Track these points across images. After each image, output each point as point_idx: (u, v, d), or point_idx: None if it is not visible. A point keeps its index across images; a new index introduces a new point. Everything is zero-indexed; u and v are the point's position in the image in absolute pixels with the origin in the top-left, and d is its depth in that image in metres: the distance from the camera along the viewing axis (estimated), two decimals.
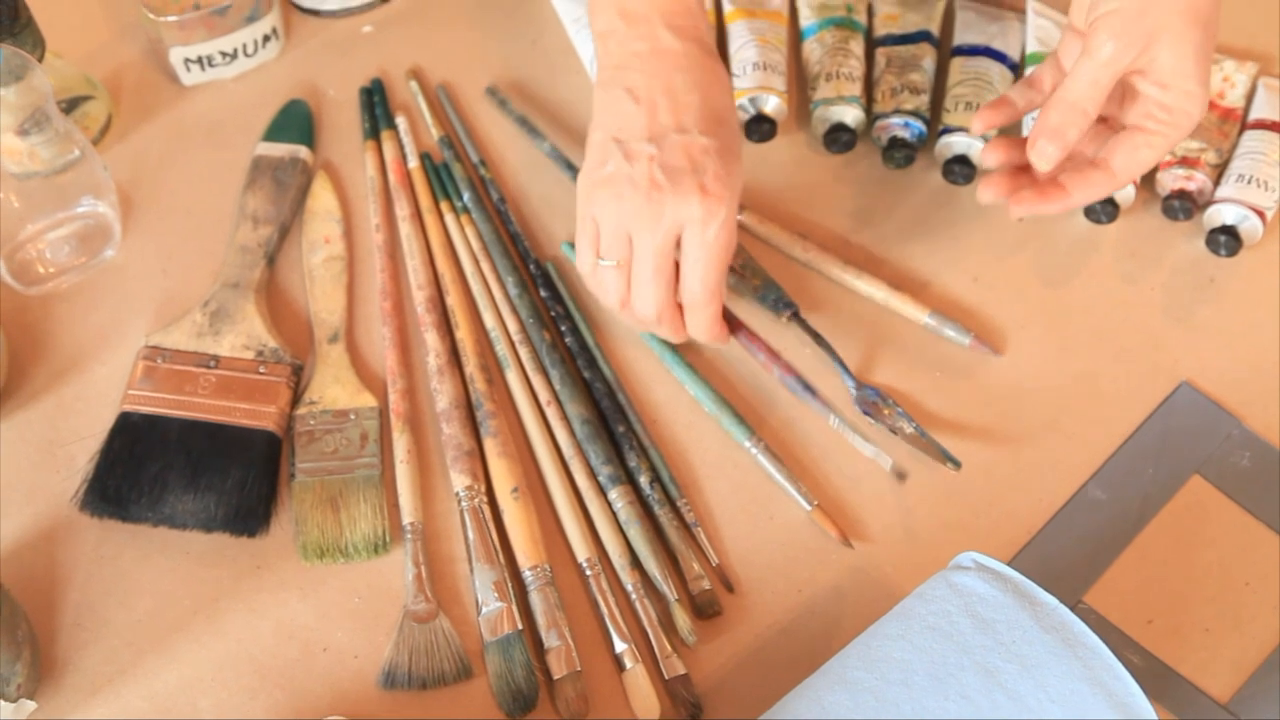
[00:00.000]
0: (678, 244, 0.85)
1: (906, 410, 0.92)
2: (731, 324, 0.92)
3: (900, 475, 0.90)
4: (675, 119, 0.85)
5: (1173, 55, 0.82)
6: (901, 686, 0.74)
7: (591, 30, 0.90)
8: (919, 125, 1.01)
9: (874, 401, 0.92)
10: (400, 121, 1.05)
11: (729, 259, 0.86)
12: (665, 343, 0.94)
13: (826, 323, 0.96)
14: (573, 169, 1.01)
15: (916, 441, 0.91)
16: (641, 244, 0.85)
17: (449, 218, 1.01)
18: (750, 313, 0.96)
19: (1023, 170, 0.90)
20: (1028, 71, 1.02)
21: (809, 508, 0.89)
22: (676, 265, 0.86)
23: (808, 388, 0.91)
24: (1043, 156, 0.85)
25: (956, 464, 0.90)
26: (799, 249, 0.98)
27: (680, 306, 0.88)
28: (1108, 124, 0.89)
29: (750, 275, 0.96)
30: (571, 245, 0.99)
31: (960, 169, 1.00)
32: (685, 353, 0.95)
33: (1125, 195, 0.98)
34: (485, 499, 0.89)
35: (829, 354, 0.93)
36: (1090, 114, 0.84)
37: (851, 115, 1.01)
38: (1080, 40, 0.87)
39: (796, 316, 0.94)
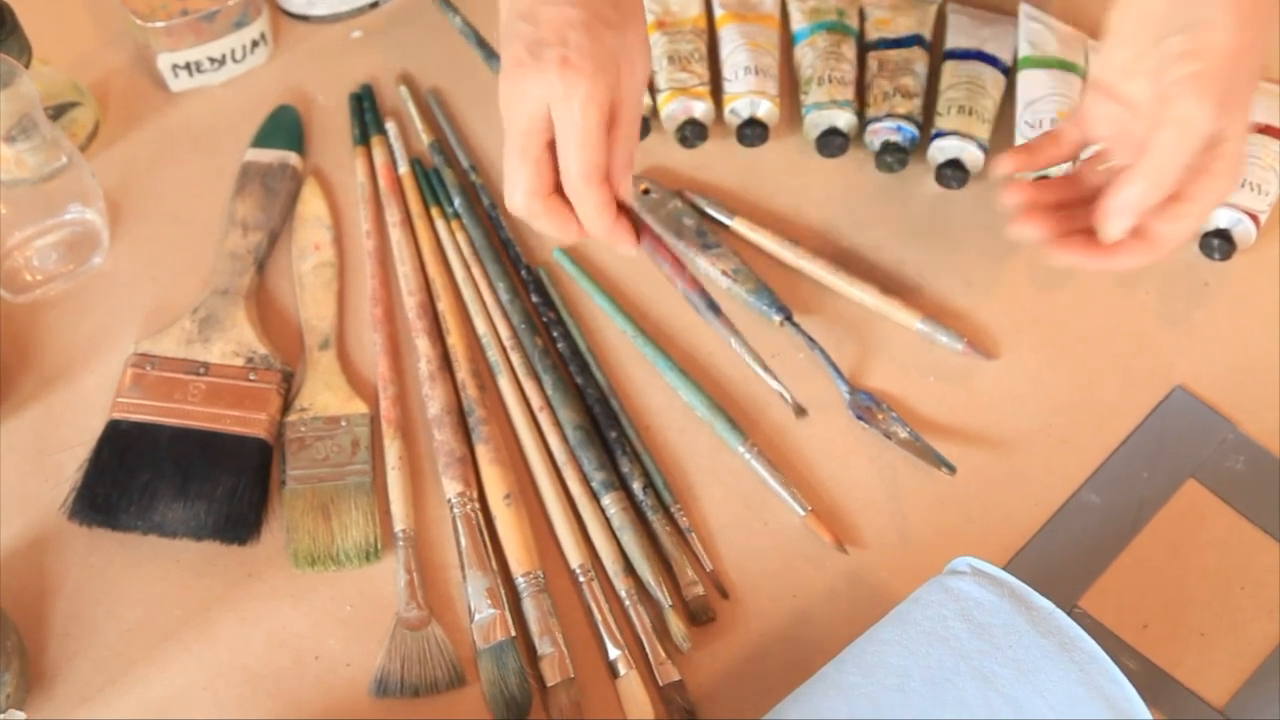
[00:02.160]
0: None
1: (900, 415, 0.92)
2: (638, 229, 0.84)
3: (799, 411, 0.89)
4: None
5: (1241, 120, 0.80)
6: (897, 692, 0.74)
7: None
8: (911, 129, 1.00)
9: (868, 406, 0.92)
10: (390, 127, 1.04)
11: (599, 140, 0.79)
12: (658, 348, 0.94)
13: (819, 328, 0.96)
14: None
15: (911, 446, 0.90)
16: (508, 126, 0.80)
17: (440, 223, 1.00)
18: (743, 316, 0.95)
19: (1051, 208, 0.87)
20: (1019, 76, 1.02)
21: (803, 513, 0.89)
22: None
23: (712, 306, 0.87)
24: (1116, 229, 0.81)
25: (951, 468, 0.90)
26: (791, 254, 0.98)
27: (563, 199, 0.81)
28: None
29: (743, 280, 0.96)
30: (563, 251, 0.99)
31: (953, 173, 0.99)
32: (678, 358, 0.94)
33: None
34: (477, 505, 0.88)
35: (823, 358, 0.93)
36: (1170, 186, 0.80)
37: (844, 119, 1.01)
38: (1108, 100, 0.85)
39: (790, 320, 0.94)
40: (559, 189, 0.81)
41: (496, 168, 1.03)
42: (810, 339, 0.94)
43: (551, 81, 0.77)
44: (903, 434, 0.91)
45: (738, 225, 0.99)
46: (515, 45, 0.79)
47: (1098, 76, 0.86)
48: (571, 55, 0.77)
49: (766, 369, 0.90)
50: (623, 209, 0.82)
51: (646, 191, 1.00)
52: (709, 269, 0.97)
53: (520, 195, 0.80)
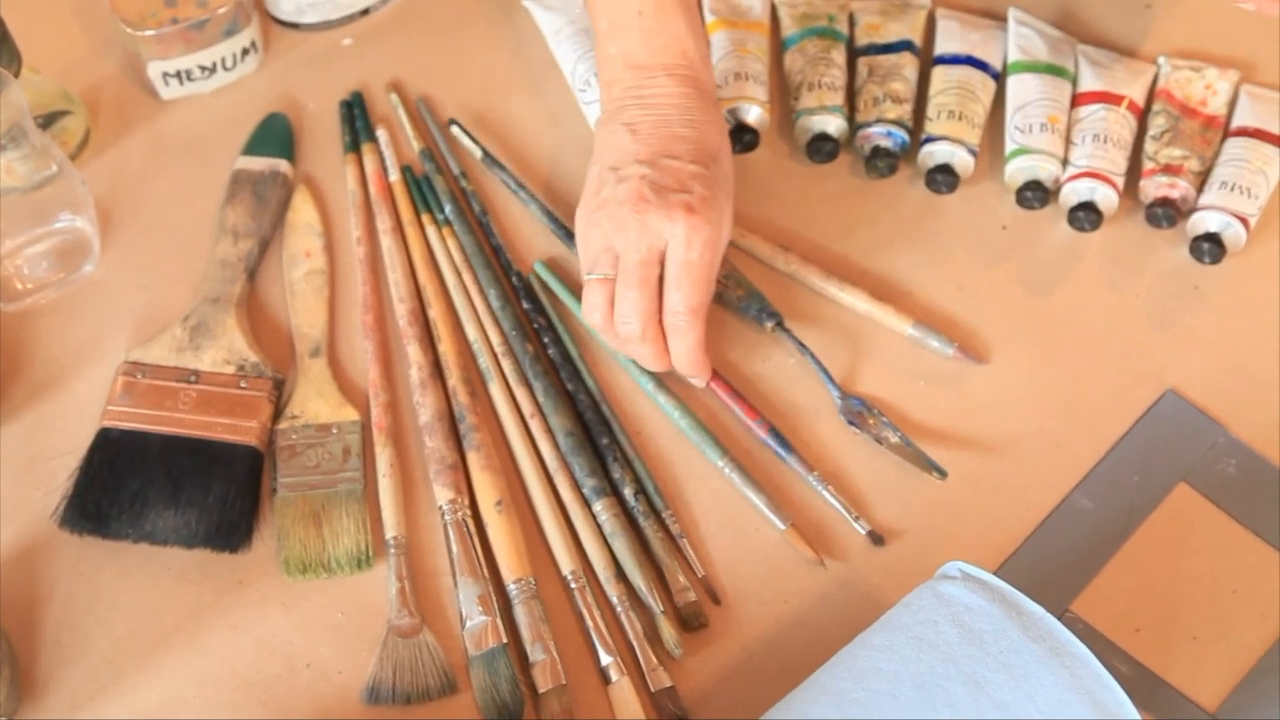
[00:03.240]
0: (663, 264, 0.86)
1: (892, 420, 0.92)
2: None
3: (876, 539, 0.89)
4: (668, 148, 0.88)
5: None
6: (888, 697, 0.74)
7: (598, 80, 0.94)
8: (901, 134, 1.01)
9: (859, 411, 0.92)
10: (381, 134, 1.04)
11: (712, 283, 0.87)
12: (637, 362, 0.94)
13: (810, 333, 0.96)
14: (535, 199, 1.01)
15: (902, 451, 0.90)
16: (625, 255, 0.86)
17: (430, 230, 1.00)
18: (734, 324, 0.96)
19: None
20: (1009, 80, 1.02)
21: (783, 528, 0.89)
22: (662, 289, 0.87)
23: (784, 443, 0.91)
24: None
25: (942, 473, 0.90)
26: (781, 260, 0.98)
27: (662, 330, 0.89)
28: None
29: (734, 285, 0.96)
30: (545, 264, 0.98)
31: (943, 178, 0.99)
32: (659, 372, 0.94)
33: (1109, 203, 0.98)
34: (469, 512, 0.88)
35: (814, 363, 0.93)
36: None
37: (834, 125, 1.01)
38: None
39: (781, 326, 0.94)
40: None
41: (486, 175, 1.03)
42: (801, 344, 0.94)
43: (677, 222, 0.85)
44: (894, 439, 0.91)
45: None
46: (635, 184, 0.86)
47: None
48: (695, 203, 0.86)
49: (842, 503, 0.90)
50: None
51: None
52: None
53: (638, 320, 0.88)
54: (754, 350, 0.95)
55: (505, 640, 0.84)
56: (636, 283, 0.86)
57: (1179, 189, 0.98)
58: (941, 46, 1.05)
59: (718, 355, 0.95)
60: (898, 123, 1.01)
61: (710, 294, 0.89)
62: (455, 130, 1.04)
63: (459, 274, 0.98)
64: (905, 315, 0.95)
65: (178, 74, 1.04)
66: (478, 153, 1.03)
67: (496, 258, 0.99)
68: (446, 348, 0.94)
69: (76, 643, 0.85)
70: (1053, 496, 0.90)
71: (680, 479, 0.91)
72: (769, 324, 0.94)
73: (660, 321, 0.88)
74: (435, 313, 0.96)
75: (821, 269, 0.97)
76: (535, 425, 0.92)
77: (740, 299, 0.96)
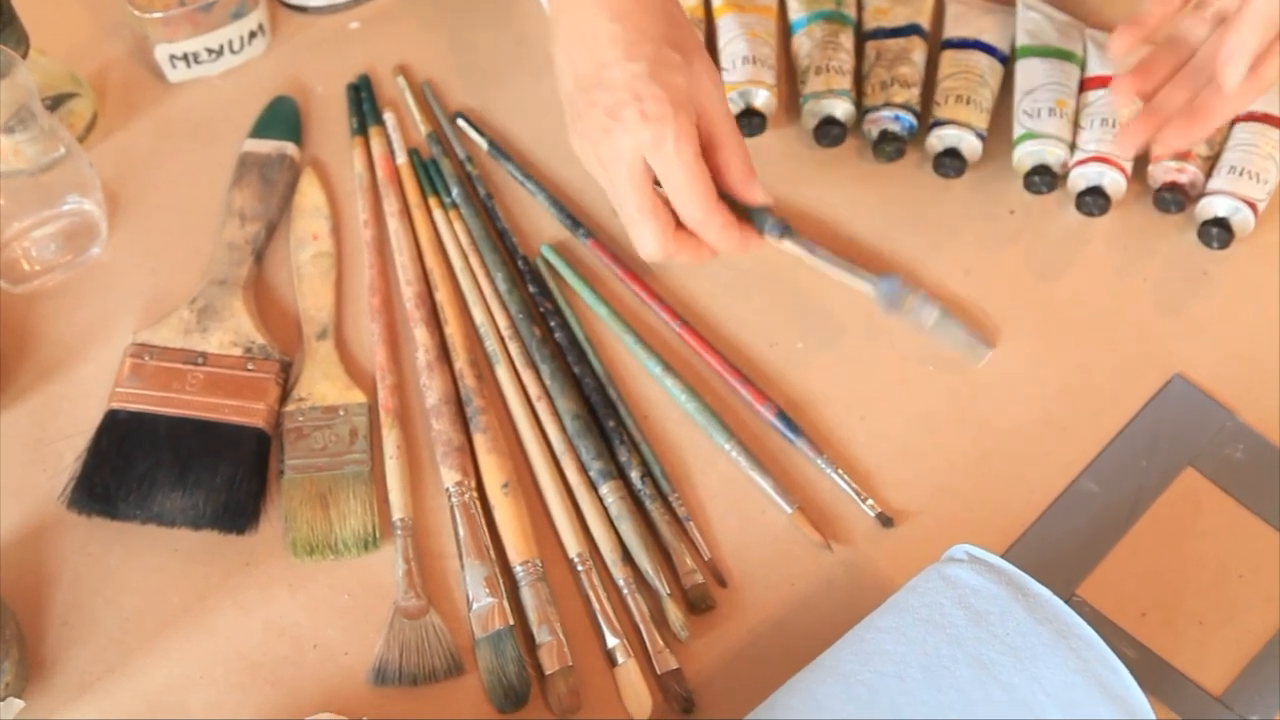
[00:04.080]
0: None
1: (928, 294, 0.91)
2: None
3: (886, 521, 0.89)
4: (604, 56, 0.85)
5: None
6: (895, 679, 0.74)
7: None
8: (909, 118, 1.00)
9: (896, 295, 0.90)
10: (388, 117, 1.04)
11: (701, 171, 0.84)
12: (646, 345, 0.94)
13: (816, 315, 0.96)
14: (542, 189, 1.01)
15: (945, 328, 0.90)
16: (615, 189, 0.85)
17: (437, 213, 1.00)
18: (703, 299, 0.97)
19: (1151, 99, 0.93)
20: (1018, 65, 1.02)
21: (789, 511, 0.89)
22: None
23: (792, 426, 0.91)
24: (1234, 75, 0.86)
25: (986, 351, 0.89)
26: (789, 242, 0.97)
27: (688, 231, 0.87)
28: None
29: (732, 205, 0.90)
30: (551, 248, 0.98)
31: (951, 162, 0.99)
32: (666, 354, 0.94)
33: (1117, 188, 0.98)
34: (475, 494, 0.88)
35: (832, 263, 0.91)
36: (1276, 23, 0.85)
37: (841, 109, 1.01)
38: None
39: (789, 233, 0.90)
40: (680, 223, 0.86)
41: (493, 160, 1.03)
42: (811, 246, 0.90)
43: (639, 135, 0.82)
44: (932, 318, 0.90)
45: None
46: (595, 114, 0.84)
47: None
48: (648, 107, 0.82)
49: (851, 486, 0.90)
50: (742, 218, 0.87)
51: None
52: None
53: (653, 244, 0.85)
54: (760, 333, 0.95)
55: (512, 622, 0.84)
56: (636, 211, 0.85)
57: (1187, 174, 0.98)
58: (950, 30, 1.05)
59: (721, 336, 0.95)
60: (905, 107, 1.00)
61: (735, 167, 0.86)
62: (462, 123, 1.04)
63: (466, 257, 0.98)
64: None
65: (185, 57, 1.04)
66: (484, 144, 1.03)
67: (503, 241, 0.99)
68: (453, 330, 0.94)
69: (84, 623, 0.85)
70: (1059, 480, 0.90)
71: (687, 462, 0.91)
72: (774, 234, 0.89)
73: (682, 228, 0.86)
74: (442, 295, 0.96)
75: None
76: (542, 408, 0.92)
77: (745, 209, 0.90)
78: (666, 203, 0.85)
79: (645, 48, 0.84)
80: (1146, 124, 0.93)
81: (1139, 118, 0.93)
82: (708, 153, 0.85)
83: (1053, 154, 0.98)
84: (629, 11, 0.86)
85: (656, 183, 0.85)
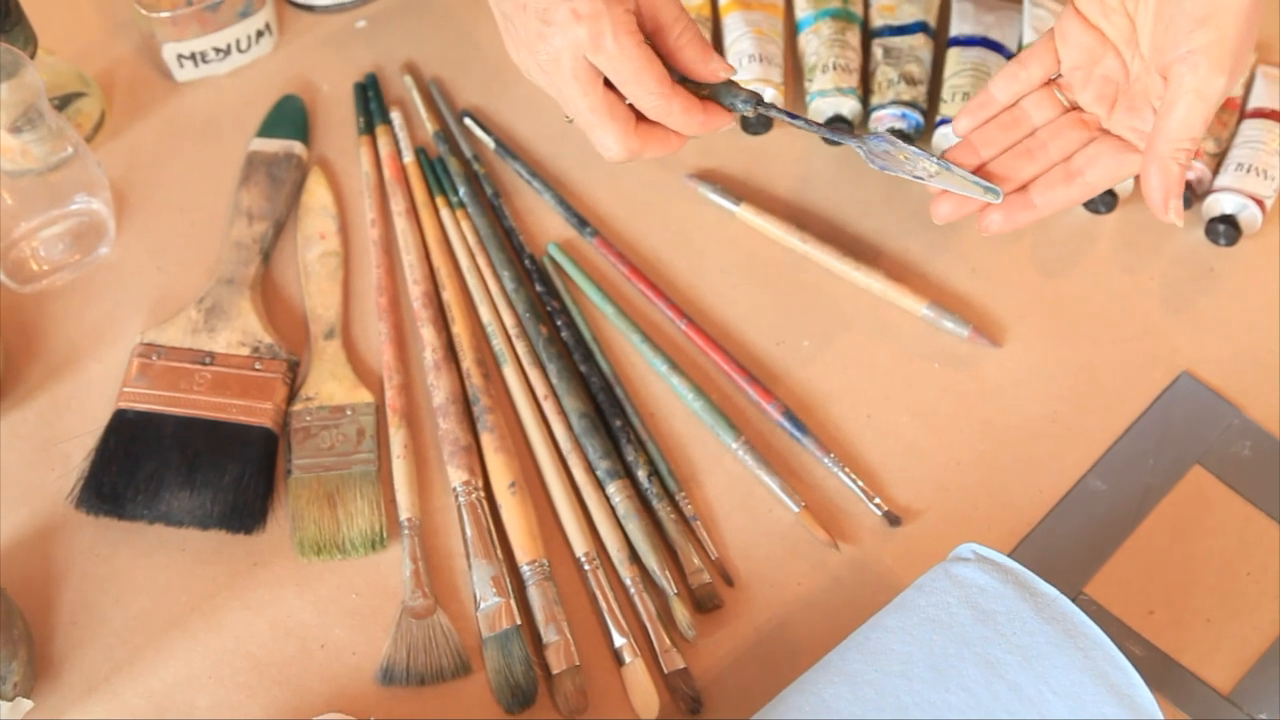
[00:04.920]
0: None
1: (921, 148, 0.85)
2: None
3: (893, 520, 0.89)
4: None
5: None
6: (901, 679, 0.74)
7: None
8: (916, 116, 1.00)
9: (885, 150, 0.85)
10: (395, 116, 1.04)
11: (647, 57, 0.80)
12: (652, 343, 0.94)
13: (824, 313, 0.96)
14: (549, 188, 1.01)
15: (946, 178, 0.84)
16: (563, 93, 0.82)
17: (444, 213, 1.00)
18: (709, 296, 0.97)
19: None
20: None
21: (796, 510, 0.89)
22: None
23: (799, 425, 0.92)
24: (1178, 215, 0.81)
25: (996, 192, 0.83)
26: (797, 240, 0.97)
27: (651, 123, 0.83)
28: (1080, 119, 0.85)
29: (699, 86, 0.86)
30: (558, 246, 0.99)
31: None
32: (672, 352, 0.94)
33: (1124, 186, 0.98)
34: (483, 494, 0.88)
35: (811, 126, 0.87)
36: (1193, 150, 0.79)
37: (848, 107, 1.01)
38: (1083, 29, 0.84)
39: (762, 104, 0.86)
40: (642, 116, 0.82)
41: (500, 159, 1.03)
42: (790, 114, 0.87)
43: (575, 33, 0.78)
44: (933, 169, 0.84)
45: (743, 212, 0.99)
46: (527, 19, 0.80)
47: (1078, 4, 0.84)
48: (579, 4, 0.78)
49: (857, 484, 0.90)
50: (707, 98, 0.83)
51: None
52: None
53: (615, 144, 0.82)
54: (767, 332, 0.95)
55: (519, 622, 0.84)
56: (588, 111, 0.81)
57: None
58: (956, 28, 1.05)
59: (728, 334, 0.95)
60: (912, 104, 1.00)
61: (687, 50, 0.82)
62: (469, 122, 1.04)
63: (473, 256, 0.98)
64: (919, 296, 0.95)
65: (192, 56, 1.04)
66: (491, 144, 1.03)
67: (510, 240, 0.99)
68: (460, 330, 0.94)
69: (92, 623, 0.86)
70: (1067, 479, 0.90)
71: (694, 461, 0.91)
72: (747, 107, 0.86)
73: (643, 120, 0.83)
74: (449, 295, 0.96)
75: (837, 249, 0.97)
76: (549, 407, 0.92)
77: (711, 91, 0.86)
78: (621, 98, 0.82)
79: None
80: (964, 203, 0.84)
81: (959, 196, 0.85)
82: (656, 39, 0.82)
83: None
84: None
85: (607, 82, 0.81)
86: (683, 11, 0.82)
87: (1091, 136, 0.84)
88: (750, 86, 1.00)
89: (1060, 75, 0.85)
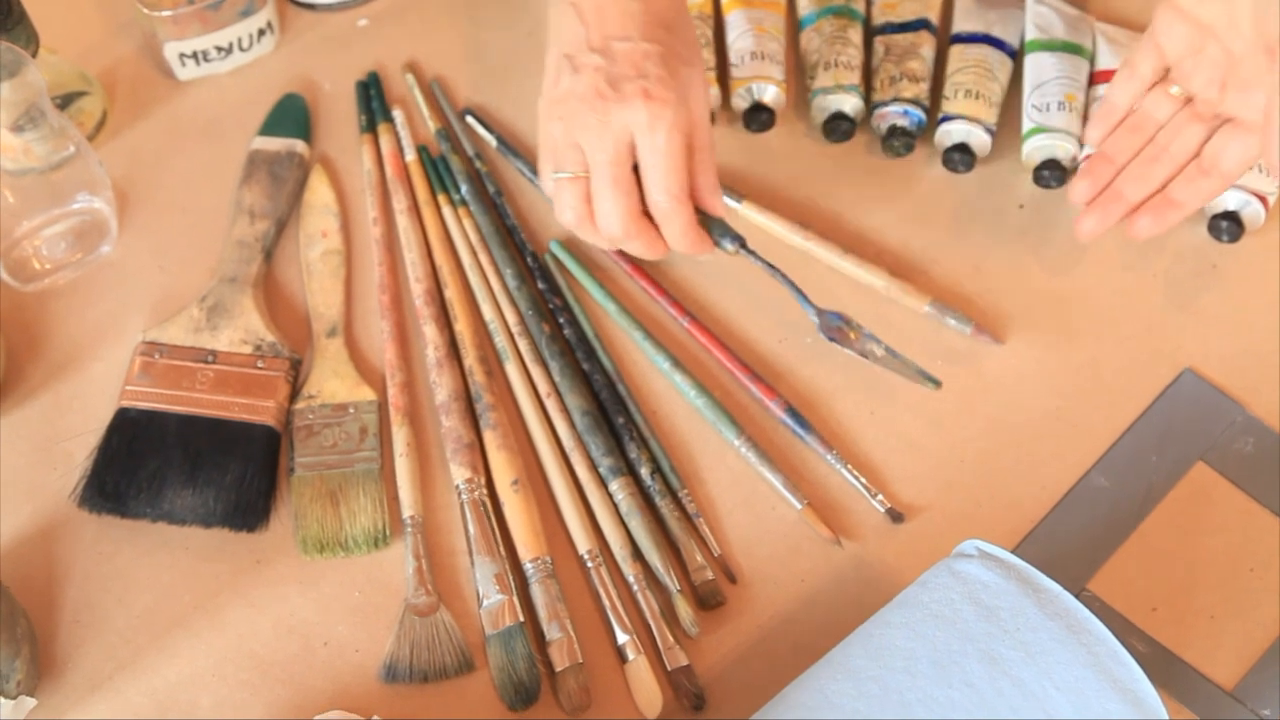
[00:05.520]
0: (634, 155, 0.85)
1: (873, 331, 0.92)
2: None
3: (896, 517, 0.89)
4: (619, 28, 0.85)
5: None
6: (905, 675, 0.74)
7: None
8: (918, 113, 1.00)
9: (838, 327, 0.91)
10: (397, 115, 1.04)
11: (684, 164, 0.84)
12: (655, 341, 0.94)
13: (826, 282, 0.96)
14: None
15: (890, 363, 0.90)
16: (595, 156, 0.84)
17: (446, 211, 1.00)
18: (712, 293, 0.97)
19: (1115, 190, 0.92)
20: (1027, 59, 1.02)
21: (799, 507, 0.89)
22: (639, 178, 0.85)
23: (802, 423, 0.92)
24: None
25: (936, 382, 0.90)
26: (800, 237, 0.97)
27: (650, 220, 0.87)
28: (1196, 114, 0.90)
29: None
30: (560, 244, 0.99)
31: (960, 157, 0.99)
32: (675, 350, 0.94)
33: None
34: (485, 491, 0.88)
35: (785, 282, 0.91)
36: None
37: (850, 104, 1.01)
38: (1180, 20, 0.87)
39: (745, 248, 0.91)
40: (646, 211, 0.86)
41: (501, 157, 1.03)
42: (769, 265, 0.91)
43: (637, 112, 0.82)
44: (879, 351, 0.91)
45: (746, 209, 0.99)
46: (590, 76, 0.83)
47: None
48: (653, 88, 0.82)
49: (859, 480, 0.90)
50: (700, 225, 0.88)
51: None
52: None
53: (619, 220, 0.85)
54: (770, 329, 0.95)
55: (522, 619, 0.84)
56: (610, 183, 0.84)
57: None
58: (959, 25, 1.05)
59: (730, 332, 0.95)
60: (914, 101, 1.00)
61: (705, 173, 0.86)
62: (471, 120, 1.04)
63: (475, 254, 0.98)
64: (923, 294, 0.95)
65: (194, 55, 1.04)
66: (493, 141, 1.03)
67: (512, 238, 0.99)
68: (463, 327, 0.94)
69: (95, 621, 0.85)
70: (1070, 475, 0.90)
71: (696, 458, 0.91)
72: (731, 246, 0.90)
73: (645, 215, 0.86)
74: (451, 293, 0.96)
75: (839, 246, 0.97)
76: (551, 404, 0.92)
77: (703, 220, 0.91)
78: (638, 186, 0.85)
79: (660, 33, 0.85)
80: (1108, 211, 0.92)
81: (1102, 204, 0.92)
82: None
83: (1062, 148, 0.98)
84: None
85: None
86: (712, 142, 0.86)
87: (1212, 127, 0.88)
88: (751, 84, 1.00)
89: (1169, 71, 0.89)
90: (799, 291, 0.91)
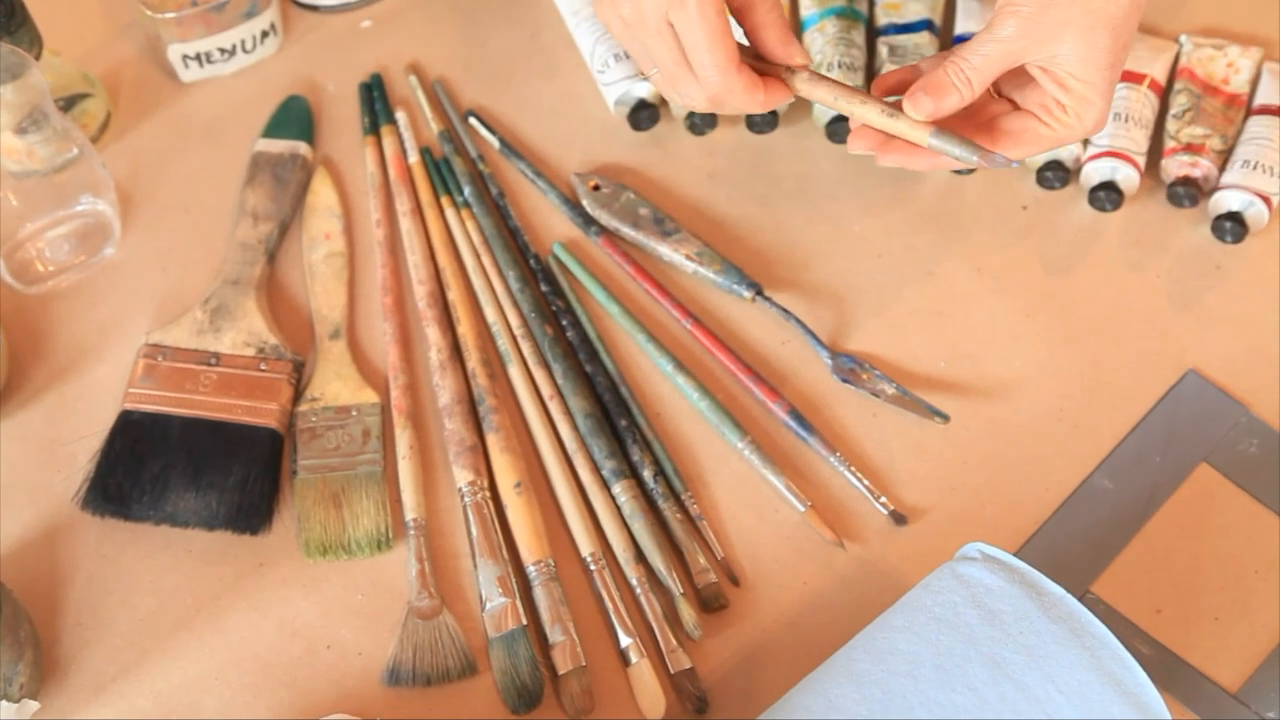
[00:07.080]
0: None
1: (885, 372, 0.93)
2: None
3: (899, 519, 0.89)
4: None
5: (1076, 57, 0.78)
6: (908, 678, 0.74)
7: None
8: None
9: (851, 369, 0.92)
10: (400, 116, 1.04)
11: (726, 29, 0.80)
12: (658, 343, 0.94)
13: (830, 306, 0.95)
14: (554, 188, 1.01)
15: (901, 401, 0.91)
16: (651, 48, 0.82)
17: (449, 212, 1.00)
18: (714, 296, 0.97)
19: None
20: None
21: (802, 509, 0.89)
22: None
23: (805, 425, 0.91)
24: (918, 108, 0.80)
25: (944, 417, 0.90)
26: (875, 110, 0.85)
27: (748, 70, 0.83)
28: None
29: (708, 262, 0.95)
30: (563, 246, 0.98)
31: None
32: (678, 352, 0.94)
33: (1130, 183, 0.97)
34: (488, 494, 0.88)
35: (799, 327, 0.93)
36: (974, 87, 0.79)
37: None
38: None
39: (761, 295, 0.93)
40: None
41: (505, 159, 1.03)
42: (785, 310, 0.93)
43: None
44: (890, 390, 0.91)
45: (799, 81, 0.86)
46: None
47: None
48: None
49: (863, 483, 0.90)
50: (768, 78, 0.83)
51: (596, 188, 1.00)
52: (672, 255, 0.97)
53: (698, 97, 0.82)
54: (772, 331, 0.95)
55: (525, 622, 0.84)
56: (673, 67, 0.81)
57: (1201, 168, 0.97)
58: (962, 26, 1.04)
59: (733, 334, 0.95)
60: None
61: (772, 29, 0.81)
62: (474, 121, 1.04)
63: (478, 256, 0.98)
64: (922, 126, 0.81)
65: (197, 56, 1.04)
66: (496, 143, 1.03)
67: (515, 240, 0.99)
68: (466, 330, 0.94)
69: (98, 624, 0.86)
70: (1073, 477, 0.90)
71: (699, 461, 0.91)
72: (748, 294, 0.94)
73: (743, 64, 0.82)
74: (454, 295, 0.96)
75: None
76: (554, 407, 0.92)
77: (717, 273, 0.95)
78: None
79: None
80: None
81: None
82: (742, 15, 0.82)
83: (1065, 149, 0.98)
84: None
85: None
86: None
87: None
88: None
89: None
90: (813, 335, 0.93)
